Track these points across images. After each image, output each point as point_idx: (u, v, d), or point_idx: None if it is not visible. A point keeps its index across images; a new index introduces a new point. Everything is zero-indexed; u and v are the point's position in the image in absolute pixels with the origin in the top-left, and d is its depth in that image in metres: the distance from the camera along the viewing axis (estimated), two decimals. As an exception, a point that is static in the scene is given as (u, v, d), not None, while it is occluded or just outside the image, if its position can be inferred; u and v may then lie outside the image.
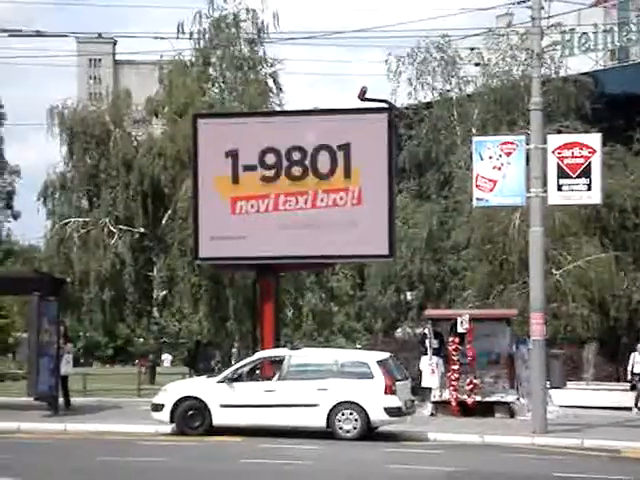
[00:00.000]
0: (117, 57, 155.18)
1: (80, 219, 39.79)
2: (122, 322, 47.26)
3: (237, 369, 21.21)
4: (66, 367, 25.40)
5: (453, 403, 24.75)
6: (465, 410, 24.59)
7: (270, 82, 41.46)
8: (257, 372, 21.87)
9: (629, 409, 27.41)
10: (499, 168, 21.83)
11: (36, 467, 15.86)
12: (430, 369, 25.18)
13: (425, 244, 38.41)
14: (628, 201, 34.51)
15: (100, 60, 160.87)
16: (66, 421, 22.44)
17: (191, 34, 40.46)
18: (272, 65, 41.48)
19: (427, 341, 25.61)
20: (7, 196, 75.34)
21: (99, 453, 17.49)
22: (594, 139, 22.05)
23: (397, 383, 20.40)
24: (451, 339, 25.07)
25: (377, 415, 20.12)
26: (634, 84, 39.71)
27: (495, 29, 37.57)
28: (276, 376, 20.90)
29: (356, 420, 20.01)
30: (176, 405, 20.60)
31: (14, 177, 75.72)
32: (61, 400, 25.06)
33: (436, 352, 25.33)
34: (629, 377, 28.53)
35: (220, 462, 16.79)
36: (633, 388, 28.18)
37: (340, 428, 20.03)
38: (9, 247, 61.65)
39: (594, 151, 21.47)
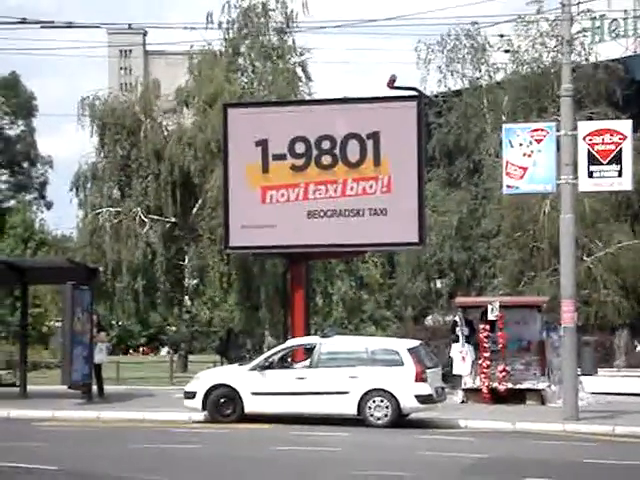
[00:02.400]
0: (147, 48, 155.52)
1: (112, 209, 40.06)
2: (154, 311, 47.57)
3: (268, 357, 21.32)
4: (100, 355, 25.63)
5: (484, 390, 24.76)
6: (496, 397, 24.60)
7: (299, 71, 41.54)
8: (288, 360, 22.00)
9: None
10: (529, 155, 21.78)
11: (71, 455, 16.02)
12: (461, 356, 25.17)
13: (455, 232, 38.39)
14: (659, 187, 34.26)
15: (131, 51, 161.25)
16: (100, 409, 22.66)
17: (220, 24, 40.62)
18: (301, 54, 41.53)
19: (458, 329, 25.61)
20: (40, 187, 75.89)
21: (133, 441, 17.64)
22: (625, 125, 21.97)
23: (428, 371, 20.44)
24: (482, 326, 25.06)
25: (408, 402, 20.18)
26: (665, 70, 39.42)
27: (525, 16, 37.37)
28: (307, 363, 21.01)
29: (387, 407, 20.08)
30: (208, 393, 20.74)
31: (47, 168, 76.30)
32: (95, 388, 25.29)
33: (467, 340, 25.33)
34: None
35: (254, 449, 16.89)
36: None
37: (371, 415, 20.12)
38: (42, 237, 62.03)
39: (625, 137, 21.39)
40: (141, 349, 69.30)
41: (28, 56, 65.10)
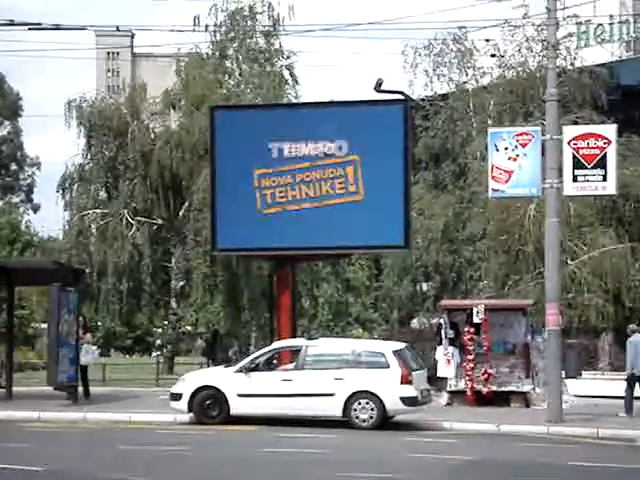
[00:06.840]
0: (135, 50, 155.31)
1: (98, 210, 40.09)
2: (140, 312, 47.55)
3: (254, 359, 21.37)
4: (86, 357, 25.63)
5: (469, 393, 24.87)
6: (481, 400, 24.71)
7: (286, 74, 41.69)
8: (274, 362, 22.06)
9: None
10: (515, 159, 21.89)
11: (56, 456, 16.05)
12: (446, 359, 25.27)
13: (441, 235, 38.47)
14: (643, 192, 34.44)
15: (118, 53, 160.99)
16: (86, 410, 22.63)
17: (207, 27, 40.68)
18: (288, 57, 41.70)
19: (443, 331, 25.71)
20: (27, 189, 75.68)
21: (119, 442, 17.64)
22: (609, 130, 22.11)
23: (413, 373, 20.52)
24: (467, 329, 25.18)
25: (393, 404, 20.25)
26: (650, 75, 39.56)
27: (511, 20, 37.52)
28: (293, 365, 21.09)
29: (372, 409, 20.15)
30: (194, 394, 20.78)
31: (34, 169, 76.09)
32: (80, 390, 25.29)
33: (452, 342, 25.43)
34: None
35: (239, 451, 16.93)
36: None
37: (356, 417, 20.18)
38: (28, 239, 61.92)
39: (609, 142, 21.51)
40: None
41: (15, 57, 65.04)
